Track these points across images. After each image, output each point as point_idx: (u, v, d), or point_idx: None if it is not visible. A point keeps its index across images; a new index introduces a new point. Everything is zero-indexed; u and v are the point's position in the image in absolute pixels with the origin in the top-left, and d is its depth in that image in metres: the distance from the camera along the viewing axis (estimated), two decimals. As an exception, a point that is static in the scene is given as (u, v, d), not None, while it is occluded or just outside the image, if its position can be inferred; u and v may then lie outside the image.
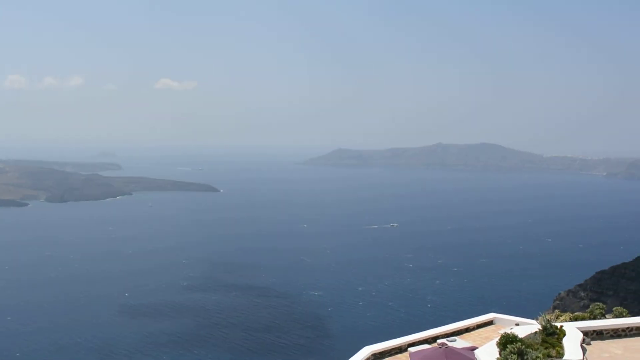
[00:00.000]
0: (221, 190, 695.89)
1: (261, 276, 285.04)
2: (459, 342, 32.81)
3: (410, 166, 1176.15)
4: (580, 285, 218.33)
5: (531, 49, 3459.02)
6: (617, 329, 30.07)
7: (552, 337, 27.86)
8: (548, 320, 29.29)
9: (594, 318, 36.20)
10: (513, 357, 23.48)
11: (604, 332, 29.92)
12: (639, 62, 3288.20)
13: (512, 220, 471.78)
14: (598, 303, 42.04)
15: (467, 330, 36.15)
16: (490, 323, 37.38)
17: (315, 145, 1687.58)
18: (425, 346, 32.74)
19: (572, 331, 28.36)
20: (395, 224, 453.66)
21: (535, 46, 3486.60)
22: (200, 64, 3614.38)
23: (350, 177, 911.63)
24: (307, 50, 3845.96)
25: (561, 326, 28.93)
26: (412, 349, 32.62)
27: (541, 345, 26.68)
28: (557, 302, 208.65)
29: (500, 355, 24.69)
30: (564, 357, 25.13)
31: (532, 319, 34.55)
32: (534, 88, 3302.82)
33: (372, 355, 32.31)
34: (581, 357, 25.11)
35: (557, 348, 26.52)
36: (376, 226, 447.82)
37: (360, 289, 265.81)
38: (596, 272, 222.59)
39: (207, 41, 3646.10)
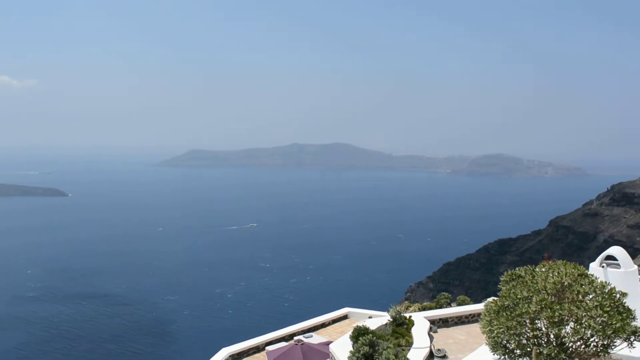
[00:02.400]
0: (70, 194, 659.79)
1: (111, 283, 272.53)
2: (315, 338, 33.38)
3: (267, 166, 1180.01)
4: (429, 277, 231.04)
5: (379, 52, 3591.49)
6: (461, 316, 31.94)
7: (401, 327, 29.07)
8: (398, 311, 30.53)
9: (440, 307, 38.33)
10: (365, 349, 24.15)
11: (449, 320, 31.66)
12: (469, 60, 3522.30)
13: (365, 219, 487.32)
14: (444, 293, 44.57)
15: (323, 325, 36.91)
16: (344, 317, 38.40)
17: (168, 145, 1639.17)
18: (283, 344, 33.01)
19: (420, 321, 29.77)
20: (255, 224, 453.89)
21: (390, 48, 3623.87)
22: (40, 62, 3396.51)
23: (206, 178, 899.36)
24: (155, 49, 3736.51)
25: (410, 316, 30.30)
26: (269, 348, 32.79)
27: (391, 335, 27.76)
28: (409, 294, 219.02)
29: (353, 347, 25.33)
30: (413, 346, 26.27)
31: (384, 311, 35.83)
32: (380, 88, 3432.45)
33: (229, 356, 32.09)
34: (428, 345, 26.37)
35: (406, 337, 27.70)
36: (235, 227, 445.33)
37: (217, 290, 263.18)
38: (443, 264, 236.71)
39: (48, 39, 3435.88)
